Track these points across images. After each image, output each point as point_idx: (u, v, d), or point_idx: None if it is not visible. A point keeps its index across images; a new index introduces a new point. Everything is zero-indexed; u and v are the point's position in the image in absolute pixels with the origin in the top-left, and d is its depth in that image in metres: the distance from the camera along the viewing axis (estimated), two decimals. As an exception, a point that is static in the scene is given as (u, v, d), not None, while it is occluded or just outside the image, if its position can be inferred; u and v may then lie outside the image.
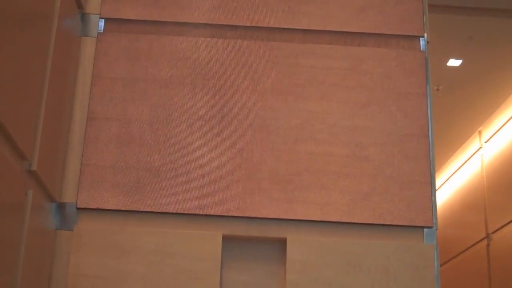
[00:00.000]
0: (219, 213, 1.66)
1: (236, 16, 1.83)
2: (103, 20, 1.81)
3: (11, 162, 1.27)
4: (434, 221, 1.70)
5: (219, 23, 1.83)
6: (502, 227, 4.03)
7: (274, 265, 1.68)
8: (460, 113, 4.51)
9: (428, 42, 1.86)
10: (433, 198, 1.72)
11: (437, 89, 4.17)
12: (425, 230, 1.70)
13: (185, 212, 1.66)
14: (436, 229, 1.71)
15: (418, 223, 1.70)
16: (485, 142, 4.41)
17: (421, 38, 1.86)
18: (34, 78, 1.39)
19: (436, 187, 1.80)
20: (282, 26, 1.84)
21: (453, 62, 3.94)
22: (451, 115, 4.53)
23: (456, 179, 4.96)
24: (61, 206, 1.65)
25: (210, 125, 1.73)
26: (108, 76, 1.76)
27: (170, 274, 1.60)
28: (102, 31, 1.80)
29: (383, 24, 1.86)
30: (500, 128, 4.20)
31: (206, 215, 1.66)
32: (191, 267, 1.61)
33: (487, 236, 4.22)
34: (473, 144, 4.65)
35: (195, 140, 1.72)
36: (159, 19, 1.82)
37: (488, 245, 4.19)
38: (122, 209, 1.66)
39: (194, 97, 1.75)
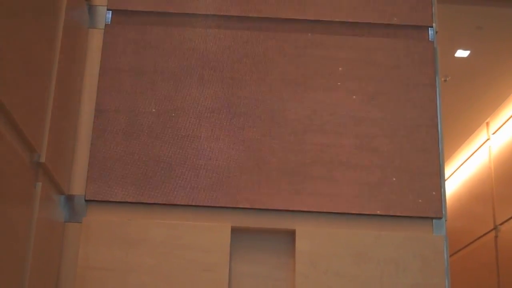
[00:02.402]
0: (227, 205, 1.66)
1: (244, 7, 1.82)
2: (111, 11, 1.80)
3: (20, 154, 1.27)
4: (443, 212, 1.70)
5: (227, 14, 1.82)
6: (510, 218, 4.02)
7: (283, 257, 1.67)
8: (467, 104, 4.50)
9: (436, 32, 1.85)
10: (442, 189, 1.71)
11: (445, 80, 4.15)
12: (434, 221, 1.70)
13: (193, 204, 1.66)
14: (446, 220, 1.70)
15: (428, 214, 1.69)
16: (493, 134, 4.39)
17: (429, 28, 1.84)
18: (42, 71, 1.39)
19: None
20: (290, 17, 1.82)
21: (461, 53, 3.92)
22: (458, 107, 4.52)
23: (464, 170, 4.95)
24: (69, 198, 1.65)
25: (219, 116, 1.73)
26: (116, 68, 1.75)
27: (178, 266, 1.60)
28: (109, 23, 1.79)
29: (391, 14, 1.84)
30: (508, 119, 4.18)
31: (215, 207, 1.66)
32: (200, 259, 1.61)
33: (495, 228, 4.20)
34: (480, 136, 4.63)
35: (203, 132, 1.71)
36: (166, 11, 1.81)
37: (496, 236, 4.18)
38: (131, 201, 1.65)
39: (202, 89, 1.75)
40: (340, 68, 1.78)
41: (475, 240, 4.53)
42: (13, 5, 1.17)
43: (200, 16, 1.81)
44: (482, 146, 4.59)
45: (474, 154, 4.74)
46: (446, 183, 5.16)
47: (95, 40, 1.78)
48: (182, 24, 1.81)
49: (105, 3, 1.81)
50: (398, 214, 1.68)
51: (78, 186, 1.66)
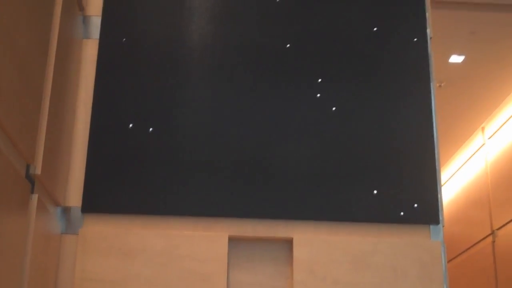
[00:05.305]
0: (225, 214, 1.65)
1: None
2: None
3: (15, 166, 1.26)
4: (440, 218, 1.69)
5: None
6: (506, 223, 4.02)
7: (281, 265, 1.67)
8: (462, 109, 4.50)
9: (430, 38, 1.85)
10: (439, 195, 1.71)
11: (439, 86, 4.16)
12: (431, 227, 1.69)
13: (190, 213, 1.65)
14: (443, 226, 1.70)
15: (425, 220, 1.69)
16: (489, 138, 4.40)
17: (423, 34, 1.84)
18: (37, 82, 1.39)
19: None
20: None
21: (455, 59, 3.93)
22: (453, 112, 4.52)
23: (460, 176, 4.95)
24: (66, 210, 1.64)
25: (215, 123, 1.72)
26: (111, 79, 1.74)
27: (176, 276, 1.59)
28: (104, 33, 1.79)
29: (385, 20, 1.84)
30: (503, 124, 4.19)
31: (212, 217, 1.65)
32: (198, 269, 1.60)
33: (492, 233, 4.21)
34: (476, 141, 4.64)
35: (199, 140, 1.71)
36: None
37: (493, 241, 4.18)
38: (127, 212, 1.65)
39: (199, 97, 1.74)
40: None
41: (473, 245, 4.53)
42: (7, 16, 1.17)
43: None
44: (478, 151, 4.60)
45: (470, 159, 4.74)
46: (443, 188, 5.16)
47: (90, 51, 1.78)
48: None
49: (99, 13, 1.80)
50: (395, 220, 1.68)
51: (74, 198, 1.65)
